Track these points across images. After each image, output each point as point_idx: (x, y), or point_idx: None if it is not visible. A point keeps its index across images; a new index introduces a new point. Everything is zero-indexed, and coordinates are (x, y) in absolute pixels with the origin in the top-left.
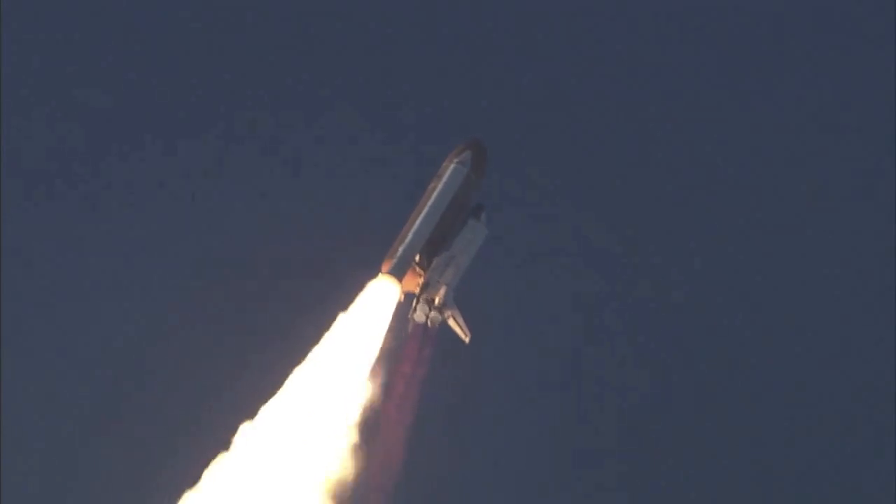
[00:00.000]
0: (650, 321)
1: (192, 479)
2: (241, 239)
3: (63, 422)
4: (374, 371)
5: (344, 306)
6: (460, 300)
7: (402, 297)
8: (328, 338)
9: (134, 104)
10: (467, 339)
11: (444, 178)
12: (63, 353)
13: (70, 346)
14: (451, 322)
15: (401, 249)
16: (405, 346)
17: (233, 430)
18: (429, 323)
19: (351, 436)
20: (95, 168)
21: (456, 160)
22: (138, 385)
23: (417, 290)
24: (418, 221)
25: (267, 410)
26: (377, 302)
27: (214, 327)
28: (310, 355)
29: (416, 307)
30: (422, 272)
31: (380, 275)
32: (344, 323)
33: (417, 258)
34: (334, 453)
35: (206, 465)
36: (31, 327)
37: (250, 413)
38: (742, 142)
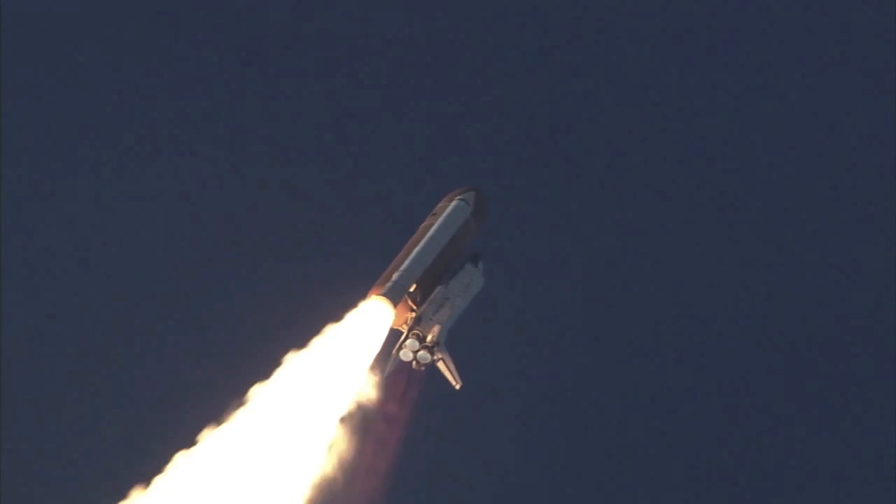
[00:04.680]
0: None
1: None
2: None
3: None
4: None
5: (323, 327)
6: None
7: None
8: (305, 364)
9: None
10: (458, 386)
11: (447, 212)
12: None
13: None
14: (440, 365)
15: (396, 275)
16: (387, 384)
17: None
18: (415, 363)
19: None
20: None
21: (459, 197)
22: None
23: (405, 328)
24: (417, 250)
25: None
26: (367, 324)
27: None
28: (284, 378)
29: (403, 343)
30: (414, 306)
31: (371, 296)
32: (325, 345)
33: (412, 288)
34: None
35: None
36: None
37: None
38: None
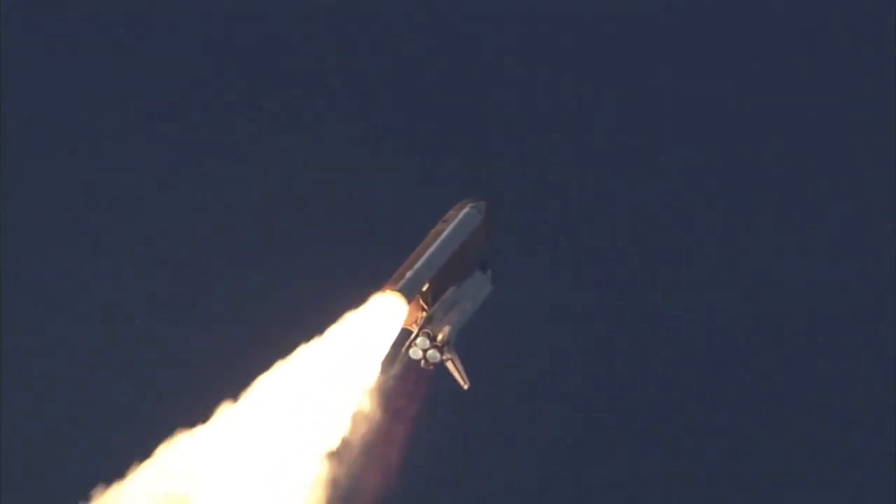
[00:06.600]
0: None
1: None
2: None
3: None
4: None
5: (335, 318)
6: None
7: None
8: (318, 354)
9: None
10: (466, 386)
11: (459, 218)
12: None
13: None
14: (449, 365)
15: (410, 273)
16: (396, 382)
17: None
18: (424, 361)
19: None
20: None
21: (471, 205)
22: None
23: (415, 327)
24: (430, 251)
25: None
26: (381, 317)
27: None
28: (296, 368)
29: (413, 341)
30: (425, 305)
31: (387, 290)
32: (338, 336)
33: (424, 288)
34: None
35: None
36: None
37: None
38: None
